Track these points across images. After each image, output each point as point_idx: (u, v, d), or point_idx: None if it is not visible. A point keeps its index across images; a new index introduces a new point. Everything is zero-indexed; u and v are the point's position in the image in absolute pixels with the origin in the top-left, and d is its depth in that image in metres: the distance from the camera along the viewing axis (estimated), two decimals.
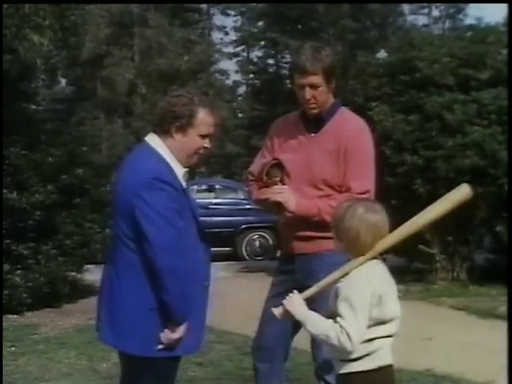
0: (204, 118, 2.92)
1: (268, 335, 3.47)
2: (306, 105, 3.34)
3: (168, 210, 2.80)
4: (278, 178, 3.35)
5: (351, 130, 3.38)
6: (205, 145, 2.97)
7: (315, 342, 3.41)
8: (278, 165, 3.37)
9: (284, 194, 3.30)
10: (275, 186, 3.33)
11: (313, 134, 3.40)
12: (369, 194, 3.33)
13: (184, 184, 2.98)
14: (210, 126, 2.95)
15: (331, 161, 3.32)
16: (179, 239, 2.78)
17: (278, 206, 3.34)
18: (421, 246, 9.04)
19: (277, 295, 3.47)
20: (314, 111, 3.35)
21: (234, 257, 13.08)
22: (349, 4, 36.65)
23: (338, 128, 3.37)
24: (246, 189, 3.62)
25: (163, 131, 2.95)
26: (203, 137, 2.95)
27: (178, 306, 2.80)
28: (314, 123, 3.40)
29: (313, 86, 3.28)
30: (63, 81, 39.46)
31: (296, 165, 3.35)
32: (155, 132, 2.99)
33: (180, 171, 2.95)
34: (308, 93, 3.28)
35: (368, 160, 3.39)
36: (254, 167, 3.52)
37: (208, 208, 14.93)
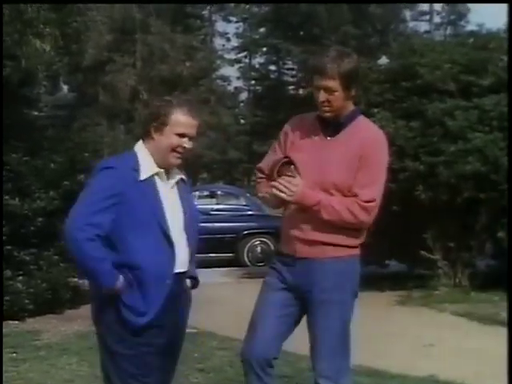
0: (179, 118, 3.04)
1: (262, 339, 3.34)
2: (321, 106, 3.32)
3: (97, 192, 3.01)
4: (289, 176, 3.31)
5: (367, 137, 3.35)
6: (184, 144, 3.06)
7: (314, 348, 3.37)
8: (289, 163, 3.33)
9: (294, 188, 3.26)
10: (286, 178, 3.26)
11: (329, 138, 3.36)
12: (374, 203, 3.29)
13: (149, 180, 3.03)
14: (186, 126, 3.06)
15: (344, 166, 3.28)
16: (92, 218, 2.93)
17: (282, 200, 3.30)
18: (423, 252, 9.03)
19: (276, 299, 3.40)
20: (327, 114, 3.32)
21: (235, 263, 13.08)
22: (350, 10, 36.71)
23: (354, 135, 3.35)
24: (256, 184, 3.58)
25: (145, 134, 3.11)
26: (180, 136, 3.05)
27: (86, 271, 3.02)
28: (332, 127, 3.37)
29: (328, 90, 3.25)
30: (65, 87, 39.57)
31: (308, 166, 3.31)
32: (142, 138, 3.15)
33: (151, 169, 3.05)
34: (322, 95, 3.26)
35: (379, 168, 3.34)
36: (265, 163, 3.49)
37: (210, 214, 14.92)
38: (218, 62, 43.23)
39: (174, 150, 3.05)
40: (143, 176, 3.02)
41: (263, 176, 3.47)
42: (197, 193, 22.86)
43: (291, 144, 3.41)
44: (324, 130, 3.38)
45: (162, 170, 3.07)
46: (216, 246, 13.11)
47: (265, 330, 3.34)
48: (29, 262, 7.92)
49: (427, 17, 47.34)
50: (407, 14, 45.71)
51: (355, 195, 3.27)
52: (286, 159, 3.34)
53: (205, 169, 38.47)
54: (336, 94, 3.25)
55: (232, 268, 12.47)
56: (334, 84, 3.23)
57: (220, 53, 44.87)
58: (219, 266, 12.62)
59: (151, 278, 2.97)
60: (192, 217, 3.17)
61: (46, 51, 8.56)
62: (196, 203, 18.64)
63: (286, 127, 3.50)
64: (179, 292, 3.11)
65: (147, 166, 3.05)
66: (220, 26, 46.58)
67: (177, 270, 3.07)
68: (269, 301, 3.40)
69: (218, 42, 46.29)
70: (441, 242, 9.06)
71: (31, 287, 7.83)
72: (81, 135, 12.28)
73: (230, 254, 13.27)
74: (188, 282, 3.21)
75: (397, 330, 7.13)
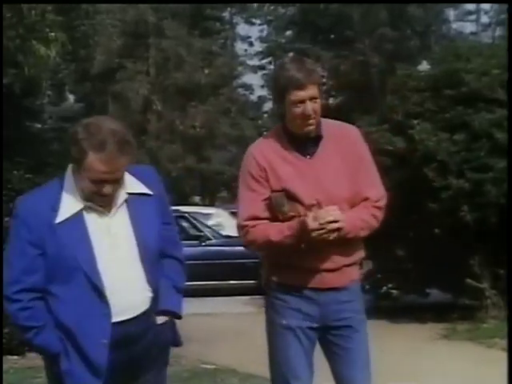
0: (94, 164, 2.71)
1: None
2: (305, 122, 3.35)
3: (18, 247, 2.85)
4: (294, 213, 3.32)
5: (352, 140, 3.49)
6: (102, 191, 2.77)
7: (346, 373, 3.44)
8: (286, 196, 3.35)
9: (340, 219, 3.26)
10: (329, 209, 3.26)
11: (308, 157, 3.42)
12: (384, 199, 3.47)
13: (72, 220, 2.81)
14: (104, 173, 2.72)
15: (345, 177, 3.38)
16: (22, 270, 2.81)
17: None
18: (468, 280, 8.96)
19: (304, 345, 3.42)
20: (311, 128, 3.37)
21: (259, 290, 13.05)
22: (387, 11, 36.73)
23: (337, 141, 3.44)
24: (250, 238, 3.40)
25: (74, 168, 2.85)
26: (94, 182, 2.76)
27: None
28: (311, 143, 3.42)
29: (312, 99, 3.32)
30: (71, 97, 39.94)
31: (308, 192, 3.35)
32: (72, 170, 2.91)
33: (72, 207, 2.82)
34: (310, 107, 3.31)
35: (372, 161, 3.52)
36: (256, 208, 3.39)
37: (229, 237, 14.90)
38: (240, 68, 43.48)
39: (92, 194, 2.79)
40: (61, 218, 2.79)
41: (258, 223, 3.39)
42: None
43: (275, 178, 3.40)
44: (300, 149, 3.42)
45: (91, 203, 2.81)
46: (237, 272, 13.12)
47: None
48: None
49: (473, 17, 47.27)
50: (451, 13, 45.70)
51: (367, 199, 3.42)
52: (282, 192, 3.34)
53: (224, 187, 38.54)
54: (318, 101, 3.35)
55: (255, 296, 12.45)
56: (315, 91, 3.33)
57: (242, 59, 45.17)
58: (241, 294, 12.62)
59: (83, 340, 2.80)
60: (147, 243, 2.88)
61: (50, 58, 8.66)
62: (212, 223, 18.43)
63: (257, 161, 3.44)
64: (135, 338, 2.88)
65: (69, 203, 2.82)
66: (242, 29, 47.13)
67: (124, 318, 2.84)
68: (298, 349, 3.43)
69: (240, 46, 46.70)
70: (489, 269, 8.99)
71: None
72: None
73: (253, 281, 13.25)
74: (161, 318, 2.95)
75: (440, 367, 7.07)
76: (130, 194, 2.89)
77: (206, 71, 34.87)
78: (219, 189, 39.18)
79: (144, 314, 2.88)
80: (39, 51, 8.34)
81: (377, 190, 3.47)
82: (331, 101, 41.96)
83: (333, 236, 3.22)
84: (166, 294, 2.95)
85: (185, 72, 33.21)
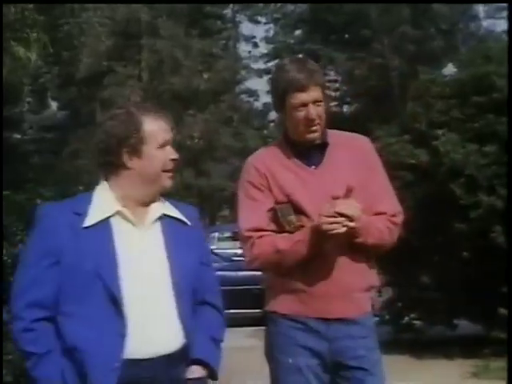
0: (153, 126, 2.88)
1: None
2: (309, 127, 3.38)
3: (30, 256, 2.87)
4: (299, 223, 3.35)
5: (364, 151, 3.52)
6: (171, 156, 2.91)
7: None
8: (291, 207, 3.39)
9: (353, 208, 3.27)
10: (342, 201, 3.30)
11: (313, 167, 3.44)
12: (401, 215, 3.47)
13: (99, 226, 2.82)
14: (164, 131, 2.90)
15: (355, 190, 3.36)
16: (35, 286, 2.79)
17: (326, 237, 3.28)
18: (502, 310, 8.93)
19: None
20: (315, 134, 3.41)
21: (264, 320, 13.02)
22: (408, 7, 36.80)
23: (347, 151, 3.47)
24: (256, 251, 3.44)
25: (114, 167, 2.90)
26: (162, 147, 2.88)
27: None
28: (315, 151, 3.46)
29: (315, 102, 3.36)
30: (54, 104, 40.05)
31: (313, 204, 3.36)
32: (105, 176, 2.94)
33: (104, 210, 2.85)
34: (313, 110, 3.35)
35: (387, 178, 3.54)
36: (260, 219, 3.42)
37: (232, 260, 14.84)
38: (243, 72, 43.59)
39: (165, 168, 2.90)
40: (89, 221, 2.81)
41: (264, 234, 3.42)
42: (216, 234, 22.86)
43: (277, 188, 3.43)
44: (303, 160, 3.46)
45: (124, 209, 2.85)
46: (240, 300, 13.05)
47: None
48: (6, 321, 7.96)
49: (506, 13, 47.29)
50: (480, 10, 45.81)
51: (382, 214, 3.42)
52: (287, 203, 3.38)
53: (226, 204, 38.56)
54: (322, 104, 3.39)
55: (260, 327, 12.42)
56: (319, 93, 3.38)
57: (245, 61, 45.30)
58: (244, 325, 12.57)
59: (92, 363, 2.69)
60: (182, 271, 2.84)
61: (31, 60, 8.70)
62: (215, 247, 18.52)
63: (257, 169, 3.47)
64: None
65: (100, 207, 2.85)
66: (245, 28, 47.40)
67: (140, 356, 2.72)
68: None
69: (243, 47, 46.84)
70: None
71: (8, 353, 7.85)
72: (73, 163, 12.42)
73: (258, 310, 13.23)
74: (194, 372, 2.84)
75: None
76: (165, 215, 2.93)
77: (206, 75, 34.96)
78: (220, 207, 39.17)
79: (168, 357, 2.78)
80: (18, 53, 8.38)
81: (392, 205, 3.48)
82: (346, 109, 42.07)
83: (343, 230, 3.21)
84: (201, 343, 2.87)
85: (182, 76, 33.29)
